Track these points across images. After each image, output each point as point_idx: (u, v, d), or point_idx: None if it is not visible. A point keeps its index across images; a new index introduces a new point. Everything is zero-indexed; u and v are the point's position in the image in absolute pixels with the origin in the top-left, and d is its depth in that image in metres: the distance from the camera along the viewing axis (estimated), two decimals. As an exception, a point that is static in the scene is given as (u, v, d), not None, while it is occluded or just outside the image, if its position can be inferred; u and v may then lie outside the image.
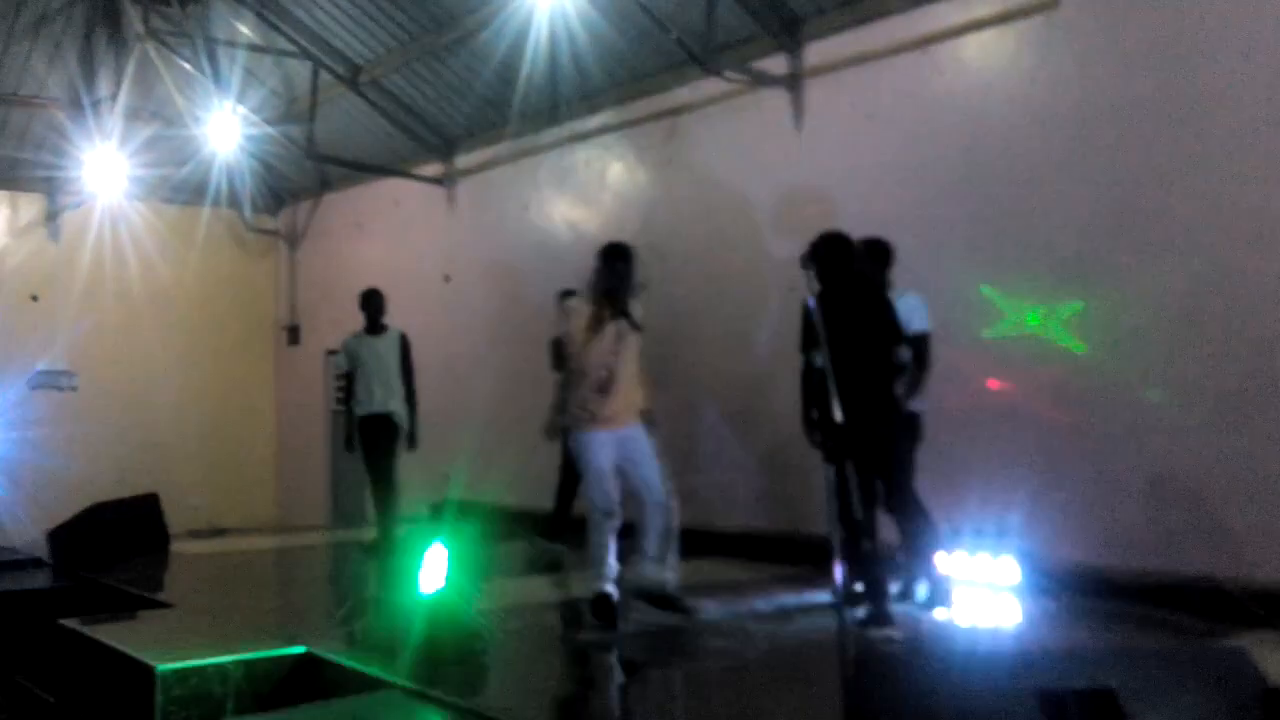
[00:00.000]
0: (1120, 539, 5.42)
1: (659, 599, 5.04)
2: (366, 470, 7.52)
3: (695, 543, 5.67)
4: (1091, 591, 5.29)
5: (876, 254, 5.49)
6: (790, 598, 5.51)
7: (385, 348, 7.45)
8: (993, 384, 5.93)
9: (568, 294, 7.15)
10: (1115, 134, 5.63)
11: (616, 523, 5.01)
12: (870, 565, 4.85)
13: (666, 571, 5.05)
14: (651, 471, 5.01)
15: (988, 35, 6.19)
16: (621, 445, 4.99)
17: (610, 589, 4.96)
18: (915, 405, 5.36)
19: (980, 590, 5.47)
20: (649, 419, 5.12)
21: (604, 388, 4.96)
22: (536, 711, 3.80)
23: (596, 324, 5.00)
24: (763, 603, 5.47)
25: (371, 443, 7.41)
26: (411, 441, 7.46)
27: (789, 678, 4.60)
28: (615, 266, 5.06)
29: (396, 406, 7.38)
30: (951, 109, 6.34)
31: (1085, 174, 5.74)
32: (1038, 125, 5.93)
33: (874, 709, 3.23)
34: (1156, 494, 5.35)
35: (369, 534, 7.79)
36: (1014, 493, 5.50)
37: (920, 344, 5.32)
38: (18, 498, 9.02)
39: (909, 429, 5.33)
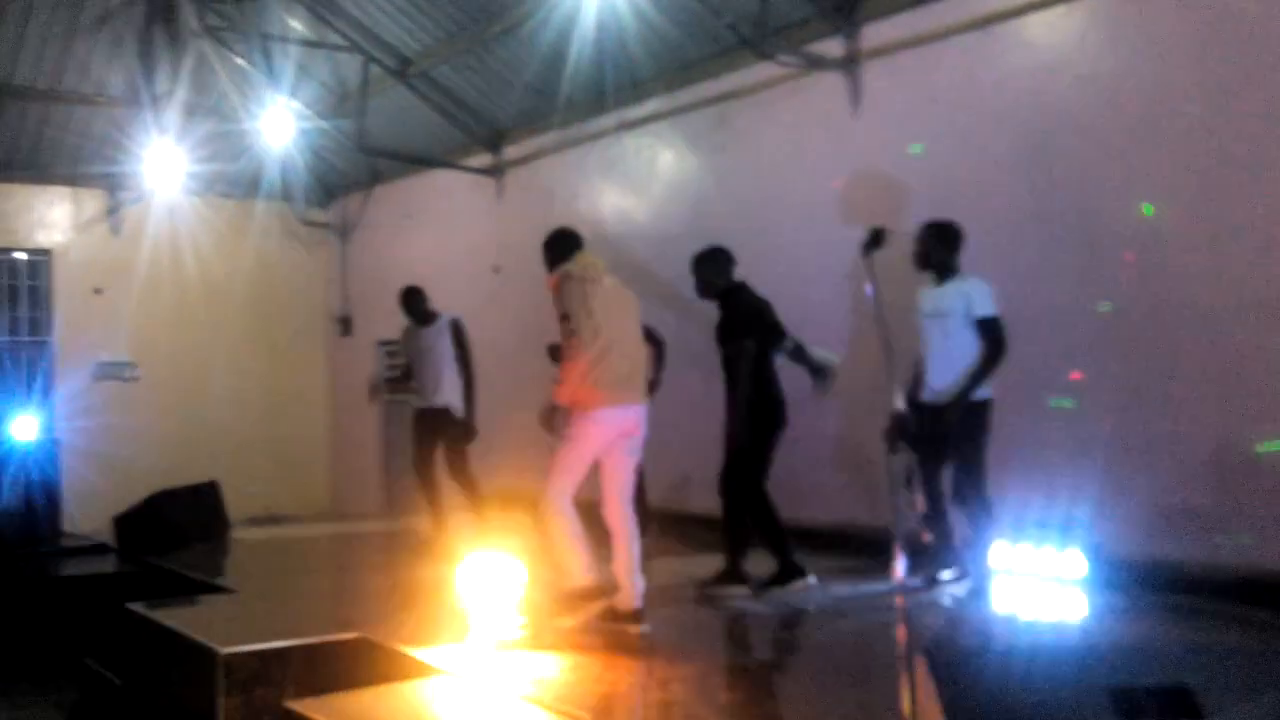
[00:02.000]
0: (1195, 531, 5.25)
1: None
2: (414, 462, 7.47)
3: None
4: (1164, 586, 5.13)
5: (946, 237, 5.42)
6: (849, 590, 5.44)
7: (433, 338, 7.35)
8: (1075, 376, 5.76)
9: None
10: (1189, 116, 5.43)
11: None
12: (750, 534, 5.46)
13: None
14: None
15: (1053, 14, 6.01)
16: None
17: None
18: (980, 393, 5.24)
19: (1048, 584, 5.35)
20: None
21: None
22: (591, 701, 3.78)
23: None
24: (823, 595, 5.40)
25: (419, 437, 7.38)
26: (469, 433, 7.36)
27: (851, 672, 4.54)
28: None
29: (450, 399, 7.27)
30: (1015, 91, 6.19)
31: (1157, 157, 5.56)
32: (1105, 108, 5.75)
33: (942, 705, 3.15)
34: (1234, 484, 5.17)
35: (421, 524, 7.82)
36: (1082, 482, 5.37)
37: (988, 328, 5.19)
38: (83, 485, 9.23)
39: (974, 418, 5.23)
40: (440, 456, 7.39)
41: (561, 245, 4.90)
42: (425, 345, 7.36)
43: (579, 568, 4.59)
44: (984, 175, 6.27)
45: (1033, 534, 5.40)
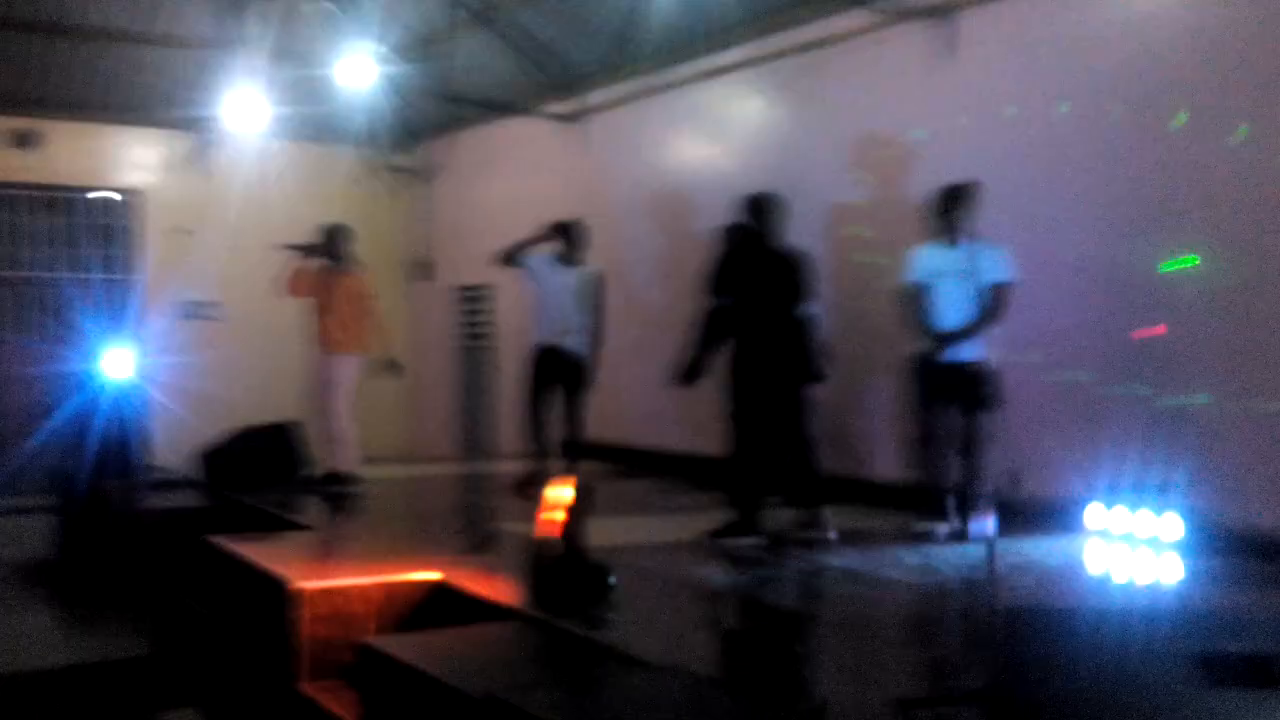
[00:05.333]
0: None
1: None
2: (527, 400, 7.45)
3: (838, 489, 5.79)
4: (1261, 553, 4.94)
5: (957, 198, 5.62)
6: (925, 545, 5.35)
7: (578, 282, 7.35)
8: (1160, 330, 5.54)
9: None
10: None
11: None
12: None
13: None
14: None
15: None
16: None
17: None
18: (978, 355, 5.50)
19: (1141, 547, 5.19)
20: None
21: None
22: (661, 647, 3.77)
23: None
24: (901, 550, 5.33)
25: (532, 373, 7.40)
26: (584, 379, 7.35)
27: (926, 628, 4.47)
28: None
29: (571, 342, 7.28)
30: (1118, 38, 5.85)
31: (1271, 102, 5.24)
32: (1216, 55, 5.42)
33: (1024, 665, 3.07)
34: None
35: (505, 466, 7.85)
36: (1179, 445, 5.18)
37: (994, 294, 5.52)
38: (170, 420, 9.52)
39: (978, 382, 5.49)
40: (555, 398, 7.40)
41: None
42: (564, 284, 7.34)
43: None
44: (1082, 126, 5.98)
45: (1129, 496, 5.25)
